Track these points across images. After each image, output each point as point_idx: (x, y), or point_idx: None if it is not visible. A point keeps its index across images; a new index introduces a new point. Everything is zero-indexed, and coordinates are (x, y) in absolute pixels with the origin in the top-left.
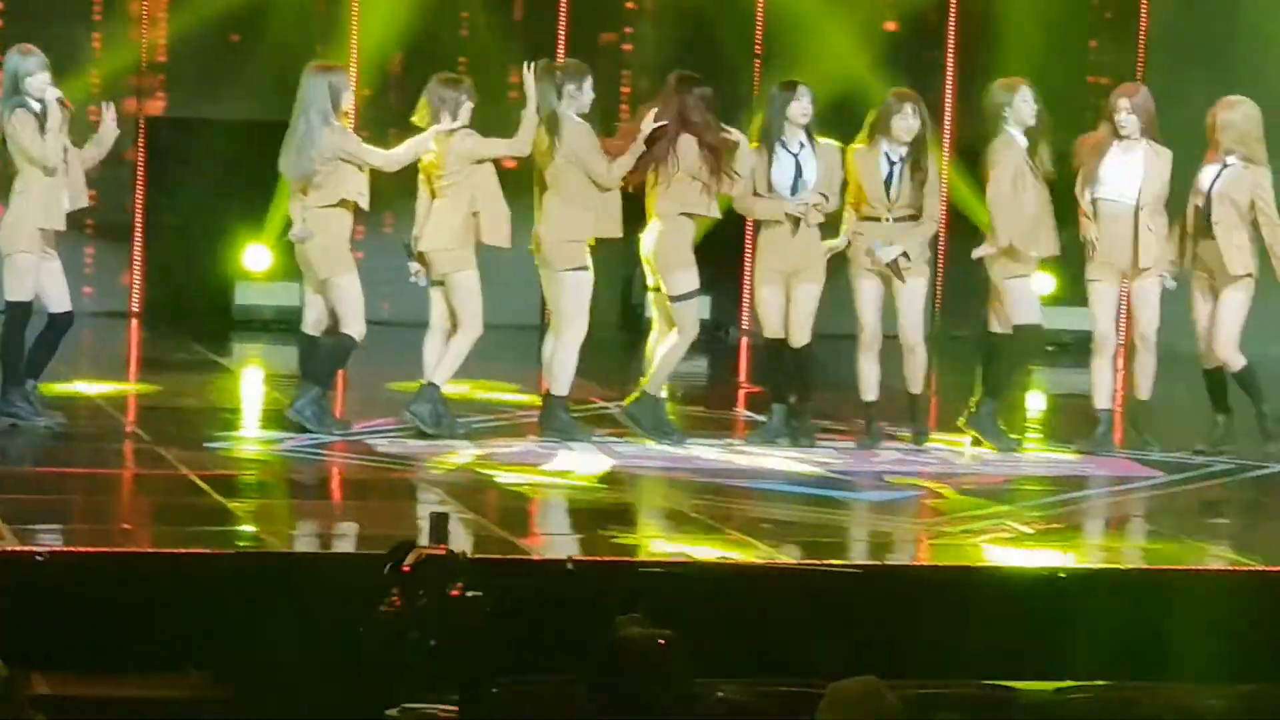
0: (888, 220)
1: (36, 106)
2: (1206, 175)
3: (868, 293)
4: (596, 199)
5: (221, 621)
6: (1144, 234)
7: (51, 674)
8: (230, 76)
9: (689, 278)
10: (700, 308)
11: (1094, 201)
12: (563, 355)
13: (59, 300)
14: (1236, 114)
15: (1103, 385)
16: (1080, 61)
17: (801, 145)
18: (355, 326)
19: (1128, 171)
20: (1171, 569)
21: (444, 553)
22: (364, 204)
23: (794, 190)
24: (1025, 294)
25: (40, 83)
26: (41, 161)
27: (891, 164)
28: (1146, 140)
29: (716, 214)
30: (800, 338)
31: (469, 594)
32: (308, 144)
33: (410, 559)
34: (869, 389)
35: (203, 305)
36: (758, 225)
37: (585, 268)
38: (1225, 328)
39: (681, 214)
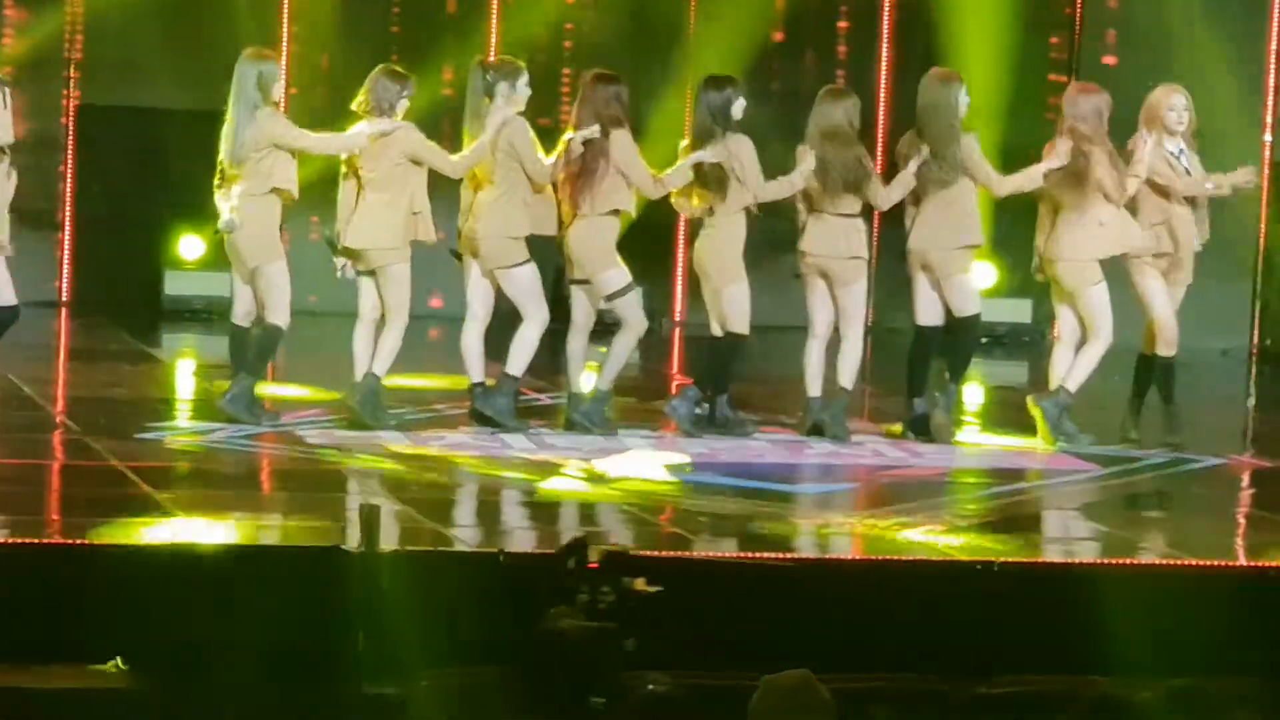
0: (831, 214)
1: None
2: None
3: (818, 287)
4: (533, 197)
5: (149, 614)
6: None
7: None
8: (162, 64)
9: (620, 274)
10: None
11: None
12: (524, 341)
13: (3, 295)
14: (1186, 98)
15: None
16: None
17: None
18: (281, 315)
19: None
20: (1104, 562)
21: (621, 549)
22: (294, 192)
23: None
24: (971, 288)
25: None
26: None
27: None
28: None
29: (633, 210)
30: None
31: (651, 588)
32: (238, 133)
33: (595, 555)
34: (816, 384)
35: (132, 295)
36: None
37: (526, 261)
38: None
39: (609, 211)
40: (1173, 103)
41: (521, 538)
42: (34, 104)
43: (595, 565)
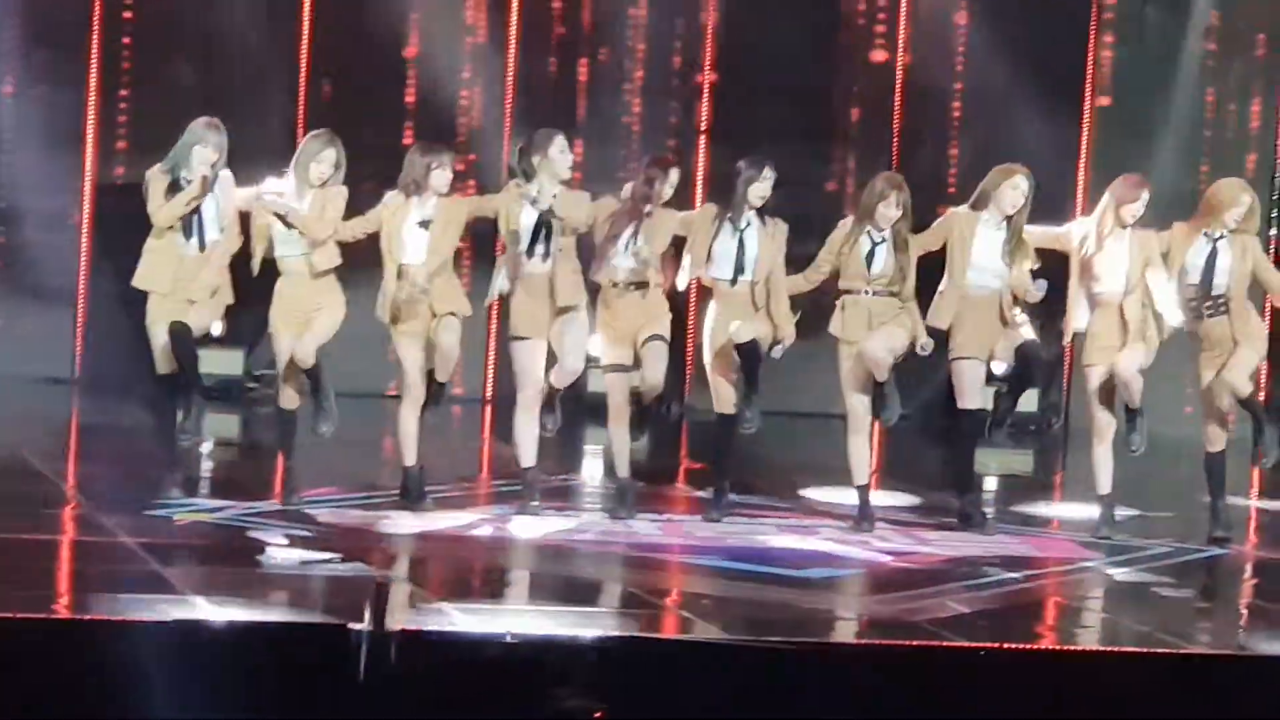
0: (867, 293)
1: None
2: (1197, 254)
3: (855, 373)
4: None
5: (156, 691)
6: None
7: None
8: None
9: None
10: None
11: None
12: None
13: None
14: (1250, 195)
15: (1108, 470)
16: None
17: (748, 223)
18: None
19: (1119, 261)
20: (1103, 650)
21: None
22: None
23: (737, 267)
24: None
25: None
26: None
27: (874, 243)
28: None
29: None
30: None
31: None
32: None
33: None
34: (861, 472)
35: (144, 372)
36: (705, 299)
37: (519, 337)
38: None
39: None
40: (1239, 200)
41: (528, 620)
42: (49, 180)
43: None
